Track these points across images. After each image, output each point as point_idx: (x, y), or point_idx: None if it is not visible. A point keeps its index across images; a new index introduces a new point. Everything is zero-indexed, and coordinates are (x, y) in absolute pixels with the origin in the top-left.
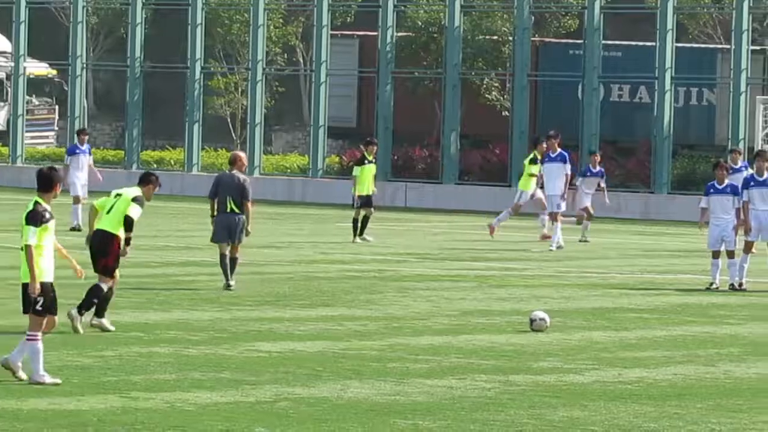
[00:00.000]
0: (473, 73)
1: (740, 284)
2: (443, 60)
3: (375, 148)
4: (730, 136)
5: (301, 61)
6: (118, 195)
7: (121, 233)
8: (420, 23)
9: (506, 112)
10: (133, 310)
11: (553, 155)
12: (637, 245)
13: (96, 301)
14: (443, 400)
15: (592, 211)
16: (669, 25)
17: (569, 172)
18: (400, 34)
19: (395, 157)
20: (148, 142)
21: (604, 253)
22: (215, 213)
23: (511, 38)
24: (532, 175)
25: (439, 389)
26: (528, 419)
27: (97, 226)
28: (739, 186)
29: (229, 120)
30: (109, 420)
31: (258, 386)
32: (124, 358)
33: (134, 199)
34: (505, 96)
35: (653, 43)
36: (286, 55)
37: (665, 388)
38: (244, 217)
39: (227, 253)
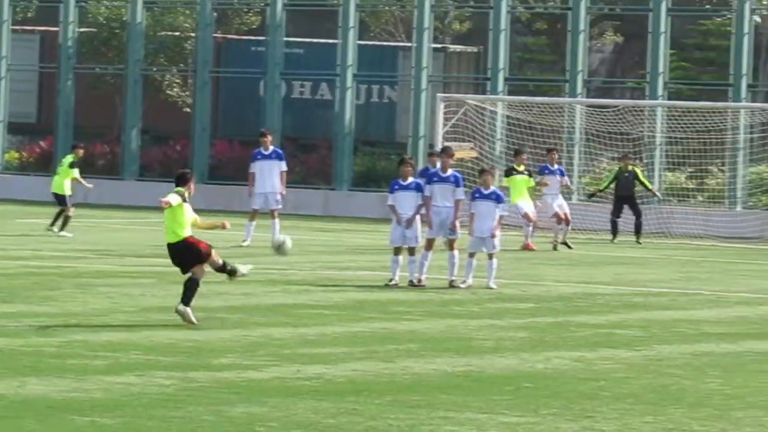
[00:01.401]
0: (155, 69)
1: (419, 280)
2: (125, 56)
3: (81, 151)
4: (411, 134)
5: None
6: None
7: (187, 233)
8: (102, 19)
9: (188, 109)
10: None
11: (266, 152)
12: (318, 242)
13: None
14: (122, 397)
15: (562, 215)
16: (351, 23)
17: (285, 169)
18: (81, 29)
19: None
20: None
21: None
22: None
23: (193, 34)
24: (529, 188)
25: (118, 386)
26: (207, 416)
27: (166, 241)
28: (423, 182)
29: None
30: None
31: None
32: None
33: (177, 191)
34: (187, 92)
35: (335, 41)
36: None
37: (344, 384)
38: None
39: None
